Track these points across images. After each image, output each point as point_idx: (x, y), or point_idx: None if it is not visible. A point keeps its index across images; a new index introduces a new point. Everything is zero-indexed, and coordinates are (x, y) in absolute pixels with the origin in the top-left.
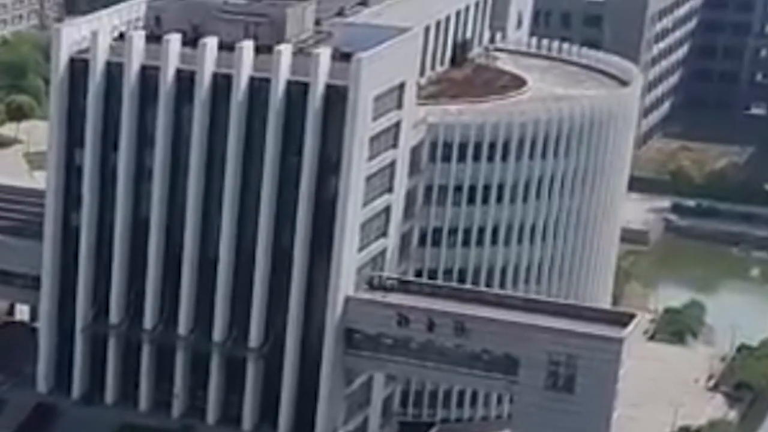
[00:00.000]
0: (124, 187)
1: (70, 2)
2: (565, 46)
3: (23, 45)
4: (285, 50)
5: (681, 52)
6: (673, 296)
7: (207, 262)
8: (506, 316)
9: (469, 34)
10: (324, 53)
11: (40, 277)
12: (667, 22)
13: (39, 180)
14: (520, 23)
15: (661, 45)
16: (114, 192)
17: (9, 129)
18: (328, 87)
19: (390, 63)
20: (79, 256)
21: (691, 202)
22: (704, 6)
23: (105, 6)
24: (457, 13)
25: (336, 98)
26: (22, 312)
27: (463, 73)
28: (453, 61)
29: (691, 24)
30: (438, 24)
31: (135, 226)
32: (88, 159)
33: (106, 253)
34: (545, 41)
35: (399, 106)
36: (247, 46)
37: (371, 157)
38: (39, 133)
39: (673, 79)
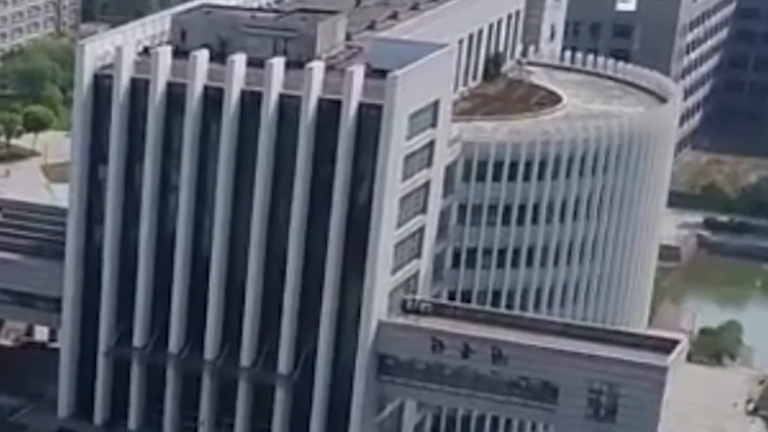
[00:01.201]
0: (149, 206)
1: (86, 10)
2: (600, 59)
3: (39, 54)
4: (317, 67)
5: (712, 63)
6: (708, 315)
7: (235, 284)
8: (545, 342)
9: (501, 48)
10: (357, 70)
11: (60, 299)
12: (698, 32)
13: (57, 193)
14: (552, 35)
15: (692, 55)
16: (138, 210)
17: (26, 140)
18: (362, 105)
19: (425, 80)
20: (102, 276)
21: (723, 217)
22: (736, 15)
23: (119, 12)
24: (490, 26)
25: (369, 117)
26: (42, 332)
27: (496, 88)
28: (485, 75)
29: (723, 34)
30: (471, 37)
31: (160, 245)
32: (112, 176)
33: (130, 273)
34: (579, 55)
35: (434, 124)
36: (278, 63)
37: (405, 177)
38: (56, 145)
39: (703, 91)
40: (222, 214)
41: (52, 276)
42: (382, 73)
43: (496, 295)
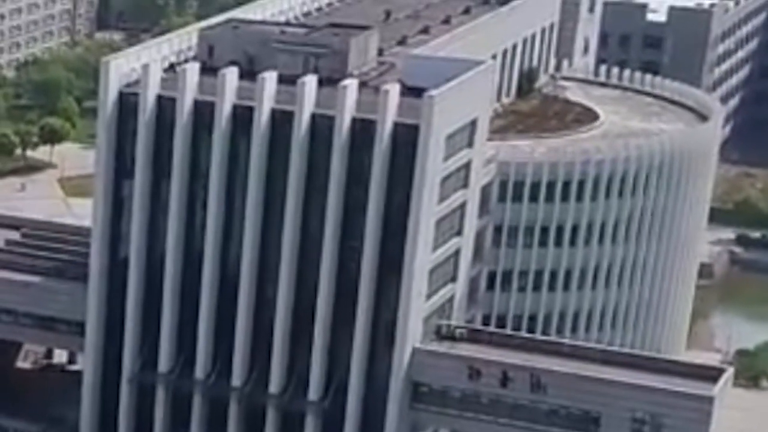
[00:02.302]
0: (176, 227)
1: (101, 18)
2: (637, 74)
3: (54, 64)
4: (351, 86)
5: (742, 74)
6: (743, 334)
7: (264, 308)
8: (585, 370)
9: (535, 62)
10: (393, 89)
11: (83, 323)
12: (729, 43)
13: (75, 208)
14: (586, 49)
15: (723, 67)
16: (164, 231)
17: (42, 152)
18: (397, 125)
19: (463, 99)
20: (127, 299)
21: (756, 233)
22: (766, 25)
23: (134, 21)
24: (524, 41)
25: (405, 137)
26: (61, 354)
27: (531, 104)
28: (519, 91)
29: (753, 44)
30: (505, 52)
31: (186, 267)
32: (138, 196)
33: (155, 296)
34: (608, 68)
35: (470, 144)
36: (310, 81)
37: (441, 199)
38: (73, 157)
39: (733, 102)
40: (251, 235)
41: (74, 299)
42: (417, 91)
43: (532, 319)
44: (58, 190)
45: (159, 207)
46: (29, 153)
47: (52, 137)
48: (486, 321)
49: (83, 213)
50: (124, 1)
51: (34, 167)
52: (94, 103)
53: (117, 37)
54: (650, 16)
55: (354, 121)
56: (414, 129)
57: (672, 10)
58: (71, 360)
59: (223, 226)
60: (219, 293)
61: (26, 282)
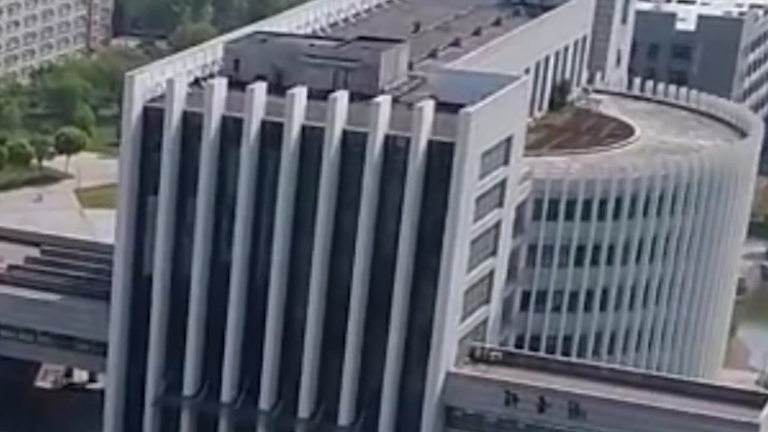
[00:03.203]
0: (202, 245)
1: (116, 25)
2: (672, 88)
3: (70, 71)
4: (384, 102)
5: None
6: None
7: (293, 329)
8: (626, 396)
9: (568, 75)
10: (427, 106)
11: (104, 343)
12: (759, 52)
13: (92, 219)
14: (619, 61)
15: (753, 77)
16: (190, 249)
17: (58, 162)
18: (431, 143)
19: (498, 116)
20: (150, 318)
21: None
22: None
23: (150, 27)
24: (557, 53)
25: (440, 155)
26: (80, 371)
27: (564, 118)
28: (551, 104)
29: None
30: (537, 65)
31: (213, 286)
32: (162, 213)
33: (180, 316)
34: (638, 79)
35: (506, 161)
36: (341, 97)
37: (476, 219)
38: (89, 167)
39: (762, 112)
40: (280, 254)
41: (96, 318)
42: (451, 107)
43: (567, 340)
44: (75, 201)
45: (184, 224)
46: (45, 163)
47: (68, 147)
48: (519, 342)
49: (100, 225)
50: (139, 7)
51: (50, 177)
52: (110, 112)
53: (132, 43)
54: (679, 26)
55: (387, 138)
56: (449, 147)
57: (701, 19)
58: (92, 378)
59: (250, 245)
60: (246, 313)
61: (46, 300)
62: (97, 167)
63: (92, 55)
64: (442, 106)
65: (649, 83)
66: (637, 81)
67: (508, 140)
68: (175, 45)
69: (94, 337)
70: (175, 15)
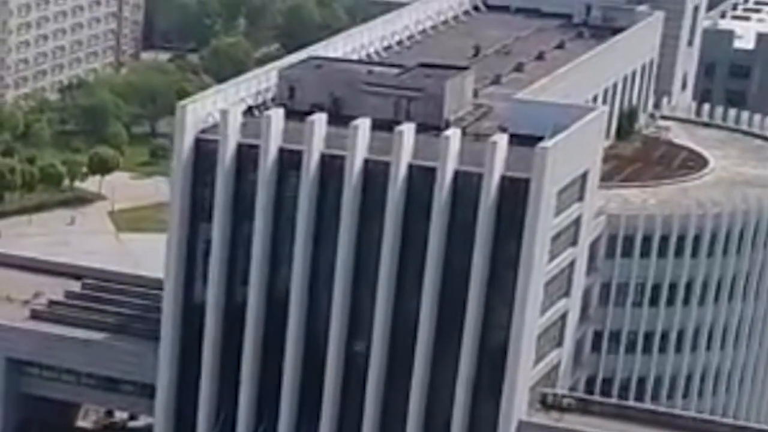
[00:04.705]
0: (258, 280)
1: (146, 38)
2: (744, 115)
3: (101, 87)
4: (453, 136)
5: None
6: None
7: (354, 370)
8: None
9: (635, 101)
10: (501, 140)
11: (150, 385)
12: None
13: (127, 244)
14: (684, 85)
15: None
16: (244, 284)
17: (90, 182)
18: (504, 179)
19: (575, 150)
20: (202, 357)
21: None
22: None
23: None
24: (625, 79)
25: (514, 192)
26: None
27: (633, 147)
28: (618, 132)
29: None
30: (605, 92)
31: (269, 322)
32: (216, 248)
33: (234, 353)
34: (719, 109)
35: (581, 198)
36: (408, 130)
37: (551, 259)
38: (123, 187)
39: None
40: (341, 294)
41: (141, 358)
42: (522, 140)
43: (641, 382)
44: (109, 224)
45: (238, 257)
46: (77, 183)
47: (101, 167)
48: (590, 385)
49: (137, 249)
50: (169, 20)
51: (82, 199)
52: (143, 129)
53: (162, 57)
54: (737, 44)
55: (456, 173)
56: (524, 183)
57: (761, 36)
58: (132, 416)
59: (309, 281)
60: (304, 351)
61: (88, 339)
62: (130, 187)
63: (122, 69)
64: (513, 139)
65: (719, 109)
66: (707, 106)
67: (584, 175)
68: (207, 59)
69: (141, 379)
70: (206, 28)
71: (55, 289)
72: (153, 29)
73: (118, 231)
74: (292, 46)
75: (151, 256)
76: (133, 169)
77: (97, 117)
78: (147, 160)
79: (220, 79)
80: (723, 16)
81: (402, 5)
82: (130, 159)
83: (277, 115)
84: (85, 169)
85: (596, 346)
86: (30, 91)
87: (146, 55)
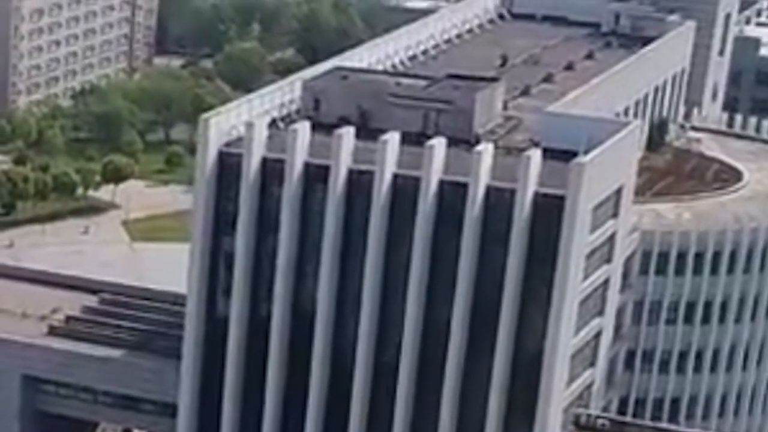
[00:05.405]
0: (283, 298)
1: (159, 43)
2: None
3: (114, 93)
4: (486, 151)
5: None
6: None
7: (381, 392)
8: None
9: (666, 112)
10: (534, 156)
11: (171, 403)
12: None
13: (142, 253)
14: (715, 95)
15: None
16: (269, 301)
17: (104, 191)
18: (537, 195)
19: (610, 166)
20: (225, 373)
21: None
22: None
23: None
24: (656, 89)
25: (547, 209)
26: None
27: (664, 159)
28: (649, 144)
29: None
30: (637, 104)
31: (294, 341)
32: (240, 265)
33: (258, 371)
34: (751, 119)
35: (615, 214)
36: (439, 145)
37: (585, 277)
38: (137, 196)
39: None
40: (368, 313)
41: (161, 376)
42: (555, 155)
43: (675, 402)
44: (123, 233)
45: (262, 272)
46: (90, 192)
47: (115, 176)
48: (623, 405)
49: (150, 258)
50: (183, 26)
51: (96, 208)
52: (157, 137)
53: (176, 62)
54: (763, 51)
55: (488, 189)
56: (558, 200)
57: None
58: None
59: (336, 299)
60: (330, 372)
61: (106, 357)
62: (145, 196)
63: (134, 75)
64: (546, 153)
65: (752, 120)
66: (739, 117)
67: (618, 191)
68: (221, 64)
69: (161, 398)
70: (220, 33)
71: (70, 303)
72: (166, 34)
73: (132, 241)
74: (307, 52)
75: (166, 266)
76: (148, 177)
77: (111, 124)
78: (162, 168)
79: (235, 85)
80: (748, 22)
81: (419, 11)
82: (145, 167)
83: (303, 128)
84: (98, 178)
85: (629, 366)
86: (42, 97)
87: (159, 61)
